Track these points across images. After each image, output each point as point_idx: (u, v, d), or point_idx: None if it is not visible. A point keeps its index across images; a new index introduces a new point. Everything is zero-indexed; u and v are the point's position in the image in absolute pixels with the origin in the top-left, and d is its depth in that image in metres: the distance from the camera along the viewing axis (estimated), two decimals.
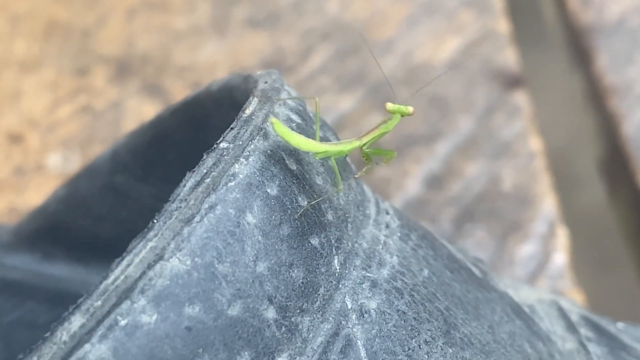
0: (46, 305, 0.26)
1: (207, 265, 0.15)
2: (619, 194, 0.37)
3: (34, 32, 0.41)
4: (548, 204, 0.33)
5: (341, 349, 0.16)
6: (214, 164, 0.16)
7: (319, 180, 0.17)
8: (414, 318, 0.17)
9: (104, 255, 0.26)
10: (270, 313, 0.15)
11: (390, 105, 0.17)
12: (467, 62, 0.39)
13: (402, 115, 0.17)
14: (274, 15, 0.41)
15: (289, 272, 0.16)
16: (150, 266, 0.14)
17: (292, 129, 0.17)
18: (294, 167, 0.17)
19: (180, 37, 0.40)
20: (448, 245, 0.20)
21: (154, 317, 0.14)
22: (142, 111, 0.37)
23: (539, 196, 0.33)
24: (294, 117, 0.17)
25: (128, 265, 0.14)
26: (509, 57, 0.38)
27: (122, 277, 0.14)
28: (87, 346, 0.14)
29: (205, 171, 0.16)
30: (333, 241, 0.17)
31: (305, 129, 0.17)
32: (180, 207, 0.15)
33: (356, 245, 0.17)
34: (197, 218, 0.15)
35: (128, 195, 0.24)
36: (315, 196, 0.17)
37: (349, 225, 0.17)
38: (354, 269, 0.17)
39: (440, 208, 0.33)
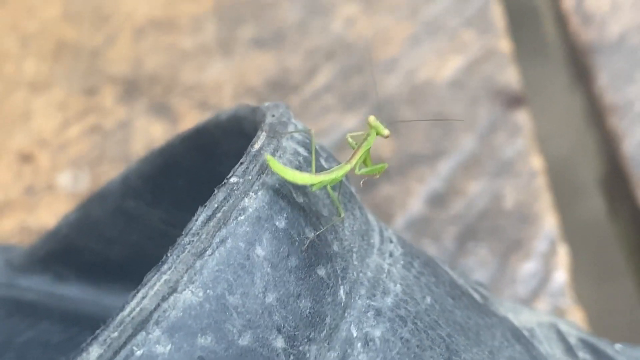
0: (59, 326, 0.27)
1: (218, 297, 0.15)
2: (618, 211, 0.38)
3: (43, 52, 0.42)
4: (549, 222, 0.33)
5: None
6: (224, 199, 0.16)
7: (325, 212, 0.18)
8: (417, 345, 0.17)
9: (114, 277, 0.27)
10: (279, 342, 0.16)
11: (372, 119, 0.18)
12: (469, 81, 0.39)
13: (377, 134, 0.18)
14: (279, 34, 0.42)
15: (297, 302, 0.16)
16: (164, 298, 0.15)
17: (300, 162, 0.18)
18: (300, 200, 0.17)
19: (187, 56, 0.41)
20: (450, 271, 0.21)
21: (168, 347, 0.15)
22: (150, 130, 0.38)
23: (540, 214, 0.34)
24: (301, 150, 0.18)
25: (143, 297, 0.15)
26: (510, 76, 0.39)
27: (138, 309, 0.15)
28: None
29: (216, 205, 0.16)
30: (339, 271, 0.17)
31: (311, 162, 0.18)
32: (193, 240, 0.16)
33: (361, 274, 0.18)
34: (209, 251, 0.16)
35: (138, 220, 0.25)
36: (322, 228, 0.17)
37: (354, 255, 0.18)
38: (359, 298, 0.17)
39: (443, 226, 0.33)
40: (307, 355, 0.16)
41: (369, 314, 0.17)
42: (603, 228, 0.39)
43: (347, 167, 0.18)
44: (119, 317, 0.15)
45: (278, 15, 0.43)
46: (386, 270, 0.18)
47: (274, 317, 0.16)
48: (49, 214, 0.35)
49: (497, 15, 0.42)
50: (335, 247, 0.17)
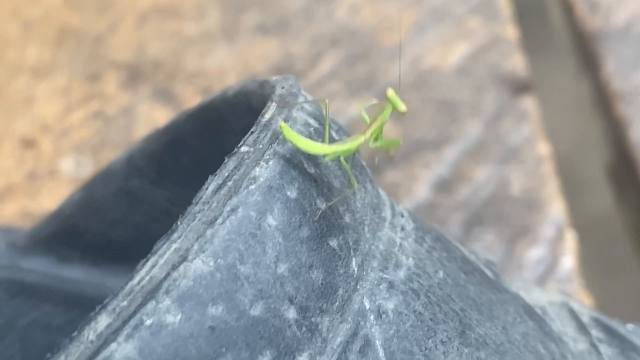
0: (62, 308, 0.26)
1: (229, 267, 0.15)
2: (626, 199, 0.37)
3: (46, 38, 0.41)
4: (556, 208, 0.33)
5: (360, 348, 0.16)
6: (235, 167, 0.16)
7: (336, 184, 0.17)
8: (430, 319, 0.17)
9: (118, 258, 0.26)
10: (291, 313, 0.15)
11: (391, 92, 0.17)
12: (475, 68, 0.39)
13: (394, 109, 0.17)
14: (284, 21, 0.42)
15: (309, 273, 0.16)
16: (174, 267, 0.15)
17: (310, 133, 0.17)
18: (312, 170, 0.17)
19: (191, 43, 0.41)
20: (461, 247, 0.20)
21: (179, 317, 0.14)
22: (153, 116, 0.38)
23: (547, 200, 0.33)
24: (312, 121, 0.18)
25: (153, 266, 0.15)
26: (516, 63, 0.39)
27: (147, 277, 0.15)
28: (113, 345, 0.14)
29: (227, 174, 0.16)
30: (351, 243, 0.17)
31: (322, 133, 0.18)
32: (203, 209, 0.15)
33: (373, 247, 0.18)
34: (220, 220, 0.15)
35: (143, 200, 0.25)
36: (333, 199, 0.17)
37: (366, 227, 0.18)
38: (371, 271, 0.17)
39: (450, 212, 0.33)
40: (320, 326, 0.16)
41: (381, 287, 0.17)
42: (610, 218, 0.38)
43: (361, 139, 0.17)
44: (128, 286, 0.15)
45: (282, 2, 0.42)
46: (398, 244, 0.18)
47: (285, 288, 0.15)
48: (51, 199, 0.34)
49: (503, 2, 0.42)
50: (347, 219, 0.17)
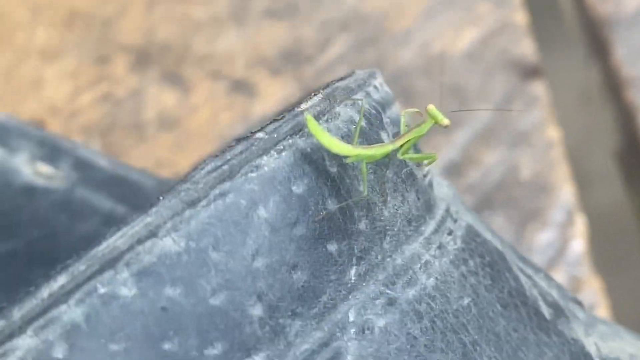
0: None
1: (200, 251, 0.14)
2: (635, 184, 0.37)
3: (54, 21, 0.41)
4: (566, 193, 0.33)
5: (328, 358, 0.15)
6: (240, 152, 0.15)
7: (360, 187, 0.17)
8: (425, 345, 0.16)
9: None
10: (257, 310, 0.15)
11: (431, 107, 0.17)
12: (485, 53, 0.39)
13: (435, 123, 0.17)
14: (293, 5, 0.41)
15: (290, 273, 0.15)
16: (140, 241, 0.14)
17: (350, 131, 0.17)
18: (334, 169, 0.16)
19: (200, 27, 0.41)
20: (524, 280, 0.19)
21: (133, 291, 0.14)
22: (161, 99, 0.38)
23: (556, 185, 0.33)
24: (357, 118, 0.17)
25: (122, 236, 0.14)
26: (526, 48, 0.39)
27: (112, 246, 0.14)
28: (63, 307, 0.14)
29: (228, 157, 0.15)
30: (356, 251, 0.16)
31: (368, 134, 0.17)
32: (189, 188, 0.15)
33: (388, 260, 0.17)
34: (204, 202, 0.15)
35: None
36: (352, 203, 0.16)
37: (387, 238, 0.17)
38: (373, 283, 0.16)
39: (460, 195, 0.33)
40: (287, 329, 0.15)
41: (377, 301, 0.16)
42: (620, 205, 0.38)
43: (388, 147, 0.16)
44: (92, 252, 0.14)
45: None
46: (423, 261, 0.17)
47: (257, 283, 0.15)
48: None
49: None
50: (361, 226, 0.16)
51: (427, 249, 0.17)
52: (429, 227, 0.18)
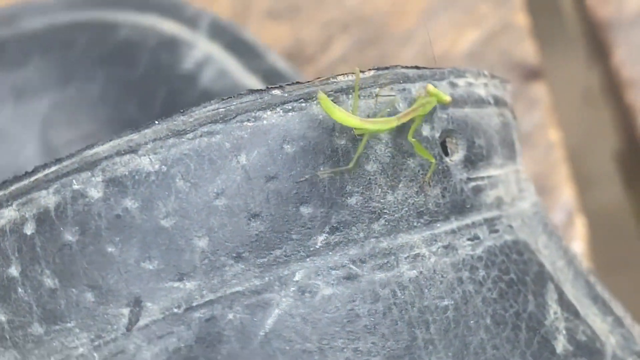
0: None
1: (169, 176, 0.16)
2: (636, 187, 0.37)
3: None
4: (566, 194, 0.33)
5: (250, 305, 0.16)
6: (247, 100, 0.16)
7: (369, 166, 0.17)
8: (366, 326, 0.16)
9: None
10: (202, 242, 0.16)
11: (431, 87, 0.17)
12: (486, 54, 0.39)
13: (438, 101, 0.17)
14: (294, 6, 0.42)
15: (249, 220, 0.16)
16: (120, 153, 0.16)
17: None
18: (341, 142, 0.16)
19: None
20: (555, 312, 0.18)
21: (99, 195, 0.15)
22: None
23: (557, 186, 0.33)
24: (356, 89, 0.17)
25: (112, 146, 0.16)
26: (527, 49, 0.39)
27: (97, 152, 0.16)
28: (43, 192, 0.16)
29: (234, 103, 0.16)
30: (333, 221, 0.16)
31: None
32: (183, 120, 0.16)
33: (371, 240, 0.17)
34: (190, 135, 0.16)
35: None
36: (346, 176, 0.16)
37: (382, 220, 0.17)
38: (339, 255, 0.16)
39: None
40: (227, 268, 0.16)
41: (334, 272, 0.16)
42: (620, 207, 0.38)
43: (393, 123, 0.17)
44: (83, 152, 0.16)
45: None
46: (414, 253, 0.17)
47: (211, 219, 0.15)
48: None
49: None
50: (351, 200, 0.17)
51: (428, 244, 0.17)
52: (446, 226, 0.17)
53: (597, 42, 0.40)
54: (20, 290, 0.16)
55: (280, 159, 0.16)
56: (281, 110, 0.16)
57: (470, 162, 0.18)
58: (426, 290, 0.17)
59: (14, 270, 0.16)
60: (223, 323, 0.15)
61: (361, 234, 0.17)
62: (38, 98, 0.27)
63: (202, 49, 0.29)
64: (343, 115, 0.16)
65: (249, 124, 0.16)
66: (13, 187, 0.16)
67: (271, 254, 0.16)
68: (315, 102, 0.16)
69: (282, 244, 0.16)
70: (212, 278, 0.15)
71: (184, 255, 0.15)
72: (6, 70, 0.27)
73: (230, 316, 0.15)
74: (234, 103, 0.16)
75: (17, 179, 0.16)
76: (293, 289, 0.16)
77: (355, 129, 0.17)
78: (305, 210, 0.16)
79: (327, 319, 0.16)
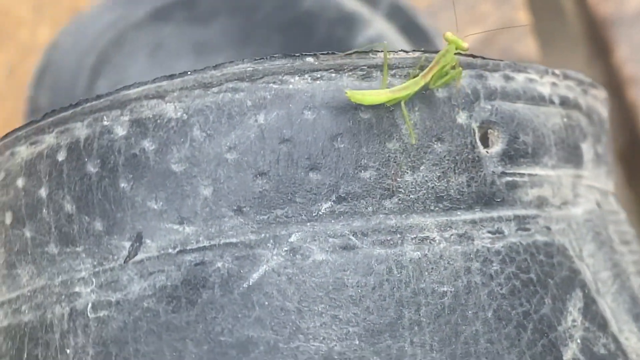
0: None
1: (187, 124, 0.16)
2: (637, 185, 0.37)
3: (58, 18, 0.41)
4: None
5: (247, 258, 0.16)
6: (276, 65, 0.16)
7: (390, 144, 0.17)
8: (351, 296, 0.16)
9: None
10: (206, 191, 0.16)
11: (449, 35, 0.17)
12: (487, 52, 0.39)
13: (456, 48, 0.17)
14: None
15: (255, 177, 0.16)
16: (148, 97, 0.16)
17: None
18: (365, 116, 0.17)
19: None
20: (574, 321, 0.18)
21: (123, 133, 0.16)
22: None
23: None
24: (385, 61, 0.17)
25: (143, 90, 0.16)
26: (528, 47, 0.39)
27: (129, 94, 0.16)
28: (78, 124, 0.17)
29: (263, 64, 0.16)
30: (341, 191, 0.16)
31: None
32: (214, 74, 0.16)
33: (380, 216, 0.17)
34: (215, 89, 0.16)
35: None
36: (364, 150, 0.16)
37: (395, 199, 0.17)
38: (341, 225, 0.16)
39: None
40: (225, 219, 0.16)
41: (331, 240, 0.16)
42: (621, 201, 0.38)
43: (421, 82, 0.17)
44: (120, 92, 0.17)
45: None
46: (422, 236, 0.17)
47: (218, 170, 0.16)
48: None
49: None
50: (364, 174, 0.17)
51: (442, 229, 0.17)
52: (466, 216, 0.17)
53: (598, 39, 0.40)
54: (44, 211, 0.17)
55: (299, 123, 0.16)
56: (309, 78, 0.16)
57: (510, 156, 0.18)
58: (426, 274, 0.17)
59: (43, 192, 0.17)
60: (211, 270, 0.16)
61: (369, 209, 0.17)
62: (216, 55, 0.28)
63: (377, 27, 0.30)
64: (372, 97, 0.16)
65: (274, 86, 0.16)
66: (59, 116, 0.17)
67: (272, 212, 0.16)
68: (346, 74, 0.16)
69: (285, 205, 0.16)
70: (210, 226, 0.16)
71: (187, 200, 0.16)
72: (193, 25, 0.28)
73: (219, 264, 0.16)
74: (265, 64, 0.16)
75: (63, 109, 0.17)
76: (286, 249, 0.16)
77: (387, 102, 0.17)
78: (314, 176, 0.16)
79: (312, 283, 0.16)
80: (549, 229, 0.18)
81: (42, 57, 0.30)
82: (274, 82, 0.16)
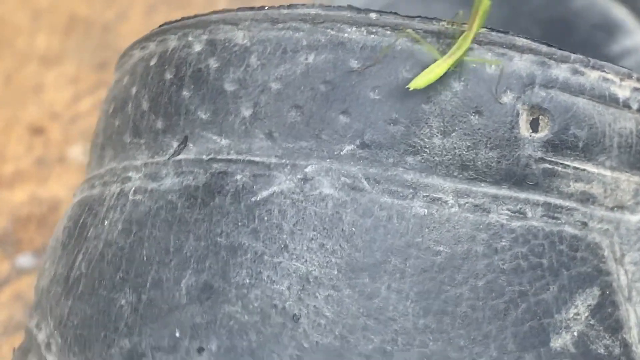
0: None
1: (247, 50, 0.18)
2: None
3: (55, 26, 0.42)
4: None
5: (262, 177, 0.17)
6: (338, 15, 0.18)
7: (427, 106, 0.17)
8: (343, 230, 0.17)
9: None
10: (247, 112, 0.18)
11: None
12: None
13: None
14: None
15: (290, 109, 0.17)
16: (225, 22, 0.18)
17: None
18: (408, 76, 0.17)
19: None
20: (575, 314, 0.18)
21: (198, 49, 0.18)
22: None
23: None
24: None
25: (225, 16, 0.18)
26: None
27: (211, 17, 0.18)
28: (172, 36, 0.19)
29: (330, 12, 0.18)
30: (365, 138, 0.17)
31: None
32: (282, 12, 0.18)
33: (399, 169, 0.17)
34: (280, 26, 0.18)
35: None
36: (398, 106, 0.17)
37: (418, 157, 0.17)
38: (357, 168, 0.17)
39: None
40: (256, 139, 0.18)
41: (342, 179, 0.17)
42: None
43: (471, 35, 0.17)
44: (207, 15, 0.19)
45: None
46: (433, 197, 0.17)
47: (261, 96, 0.18)
48: (60, 186, 0.35)
49: None
50: (392, 128, 0.17)
51: (457, 195, 0.17)
52: (489, 189, 0.17)
53: None
54: (130, 105, 0.19)
55: (342, 69, 0.17)
56: (365, 31, 0.17)
57: (553, 145, 0.18)
58: (426, 230, 0.17)
59: (133, 90, 0.19)
60: (229, 180, 0.17)
61: (390, 160, 0.17)
62: None
63: (637, 39, 0.30)
64: (434, 74, 0.17)
65: (331, 32, 0.17)
66: (163, 27, 0.19)
67: (297, 143, 0.17)
68: (404, 34, 0.17)
69: (311, 139, 0.17)
70: (242, 143, 0.18)
71: (229, 117, 0.18)
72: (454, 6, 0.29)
73: (238, 177, 0.17)
74: (330, 12, 0.18)
75: (167, 23, 0.19)
76: (299, 176, 0.17)
77: (451, 67, 0.17)
78: (344, 119, 0.17)
79: (312, 211, 0.17)
80: (584, 224, 0.18)
81: None
82: (331, 29, 0.17)
